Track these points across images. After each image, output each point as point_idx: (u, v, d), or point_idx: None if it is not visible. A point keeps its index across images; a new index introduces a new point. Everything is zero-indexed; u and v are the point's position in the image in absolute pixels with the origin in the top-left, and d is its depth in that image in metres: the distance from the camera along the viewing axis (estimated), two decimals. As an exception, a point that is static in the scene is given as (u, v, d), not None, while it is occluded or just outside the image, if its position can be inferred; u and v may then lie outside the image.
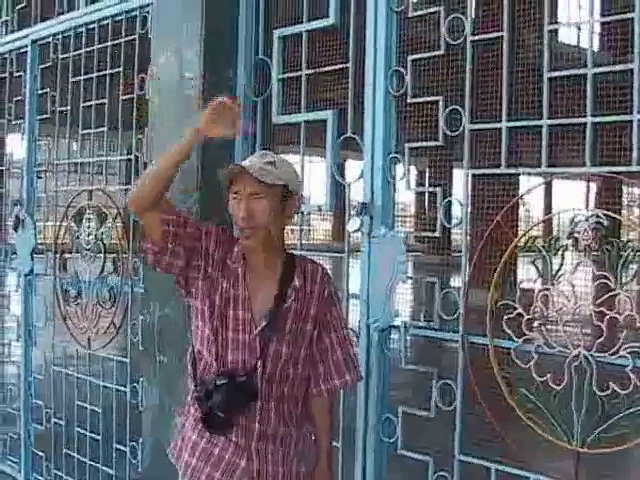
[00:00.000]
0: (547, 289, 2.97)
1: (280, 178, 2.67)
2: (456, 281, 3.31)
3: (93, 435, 4.92)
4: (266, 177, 2.62)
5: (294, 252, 2.96)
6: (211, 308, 2.74)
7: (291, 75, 3.88)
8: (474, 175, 3.25)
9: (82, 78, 5.05)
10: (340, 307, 2.92)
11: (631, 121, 2.81)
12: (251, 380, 2.69)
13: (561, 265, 2.95)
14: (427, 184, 3.47)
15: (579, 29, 3.50)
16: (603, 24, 3.16)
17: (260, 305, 2.73)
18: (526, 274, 3.07)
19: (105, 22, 4.84)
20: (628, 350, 2.75)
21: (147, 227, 2.74)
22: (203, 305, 2.76)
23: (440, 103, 3.30)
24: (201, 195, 3.93)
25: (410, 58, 3.41)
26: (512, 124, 3.12)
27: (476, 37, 3.21)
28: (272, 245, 2.75)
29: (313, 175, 3.96)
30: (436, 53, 3.34)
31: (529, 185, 3.26)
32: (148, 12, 4.47)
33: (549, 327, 2.98)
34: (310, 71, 3.79)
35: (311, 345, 2.83)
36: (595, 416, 2.86)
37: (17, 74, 5.72)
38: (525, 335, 3.01)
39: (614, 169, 2.91)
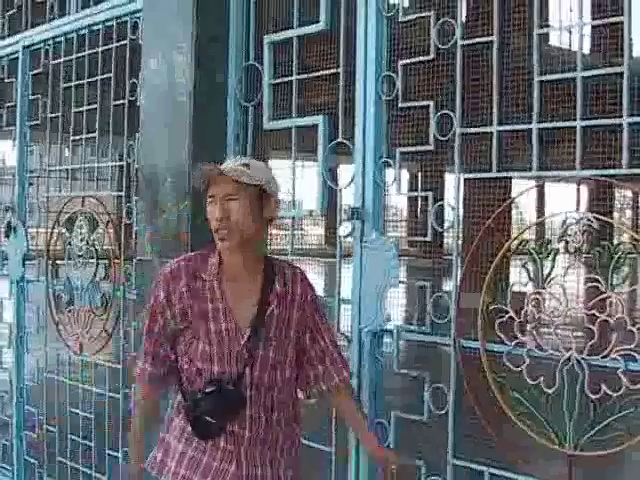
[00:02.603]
0: (538, 292, 2.97)
1: (254, 178, 2.66)
2: (448, 285, 3.31)
3: (86, 442, 4.92)
4: (240, 177, 2.63)
5: (273, 256, 2.96)
6: (193, 330, 2.74)
7: (282, 80, 3.88)
8: (465, 179, 3.26)
9: (73, 84, 5.05)
10: (322, 308, 2.95)
11: (621, 124, 2.81)
12: (239, 388, 2.69)
13: (552, 268, 2.95)
14: (418, 188, 3.47)
15: (569, 32, 3.49)
16: (593, 27, 3.16)
17: (243, 313, 2.73)
18: (518, 277, 3.07)
19: (96, 28, 4.85)
20: (620, 352, 2.76)
21: None
22: (184, 329, 2.77)
23: (431, 107, 3.31)
24: (192, 202, 3.92)
25: (400, 63, 3.41)
26: (503, 128, 3.12)
27: (466, 41, 3.22)
28: (251, 249, 2.74)
29: (305, 180, 3.95)
30: (426, 58, 3.34)
31: (520, 189, 3.26)
32: (139, 18, 4.47)
33: (541, 330, 2.98)
34: (301, 76, 3.80)
35: (303, 349, 2.84)
36: (587, 419, 2.86)
37: (8, 80, 5.71)
38: (517, 338, 3.01)
39: (605, 172, 2.91)
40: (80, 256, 4.98)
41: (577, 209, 2.98)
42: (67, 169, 5.21)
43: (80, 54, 4.98)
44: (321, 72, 3.72)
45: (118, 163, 4.74)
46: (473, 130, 3.23)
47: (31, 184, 5.58)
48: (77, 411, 5.00)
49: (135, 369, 2.92)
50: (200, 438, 2.72)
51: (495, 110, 3.13)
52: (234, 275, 2.75)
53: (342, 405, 3.01)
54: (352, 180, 3.54)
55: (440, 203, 3.30)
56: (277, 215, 2.85)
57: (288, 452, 2.85)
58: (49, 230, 5.27)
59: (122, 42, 4.64)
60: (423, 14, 3.34)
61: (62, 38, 5.13)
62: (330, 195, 3.66)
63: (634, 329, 2.72)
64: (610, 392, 2.78)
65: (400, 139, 3.52)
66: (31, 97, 5.47)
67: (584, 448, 2.89)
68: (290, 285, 2.81)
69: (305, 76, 3.79)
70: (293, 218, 4.00)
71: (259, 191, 2.69)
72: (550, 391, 2.93)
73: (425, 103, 3.34)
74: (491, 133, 3.13)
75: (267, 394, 2.75)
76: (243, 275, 2.76)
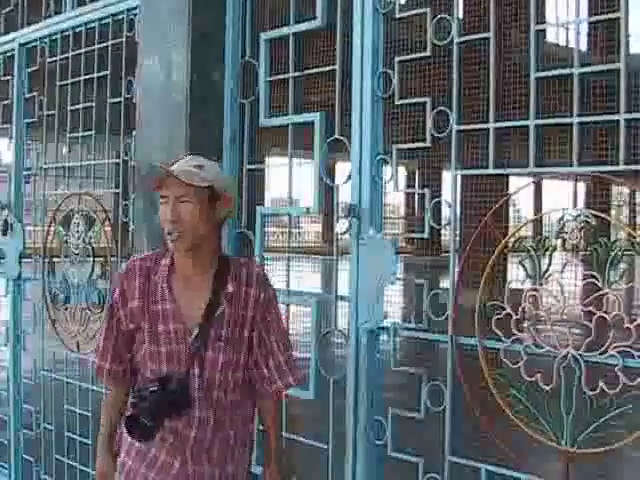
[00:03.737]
0: (536, 289, 2.97)
1: (206, 180, 2.65)
2: (445, 282, 3.31)
3: (83, 439, 4.91)
4: (191, 179, 2.62)
5: (230, 256, 2.95)
6: (142, 331, 2.75)
7: (278, 77, 3.87)
8: (462, 176, 3.25)
9: (70, 82, 5.04)
10: (278, 309, 2.90)
11: (618, 121, 2.81)
12: (185, 388, 2.68)
13: (549, 265, 2.95)
14: (415, 185, 3.48)
15: (566, 29, 3.49)
16: (590, 24, 3.16)
17: (193, 314, 2.71)
18: (515, 274, 3.07)
19: (92, 25, 4.84)
20: (617, 349, 2.76)
21: None
22: (136, 332, 2.78)
23: (427, 104, 3.30)
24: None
25: (397, 59, 3.41)
26: (499, 124, 3.12)
27: (463, 38, 3.22)
28: (203, 250, 2.73)
29: (301, 177, 3.94)
30: (423, 54, 3.34)
31: (517, 185, 3.26)
32: (135, 15, 4.46)
33: (538, 327, 2.98)
34: (297, 73, 3.79)
35: (252, 349, 2.81)
36: (585, 416, 2.86)
37: (4, 78, 5.70)
38: (514, 335, 3.01)
39: (602, 169, 2.91)
40: (77, 254, 4.97)
41: (574, 206, 2.98)
42: (64, 167, 5.20)
43: (76, 52, 4.97)
44: (317, 69, 3.72)
45: (115, 161, 4.73)
46: (470, 127, 3.22)
47: (27, 182, 5.57)
48: (74, 409, 5.00)
49: (94, 365, 2.93)
50: (133, 439, 2.68)
51: (492, 107, 3.13)
52: (185, 276, 2.75)
53: (265, 411, 2.92)
54: (349, 177, 3.53)
55: (437, 200, 3.29)
56: (231, 215, 2.86)
57: (239, 451, 2.84)
58: (46, 228, 5.25)
59: (118, 39, 4.63)
60: (419, 11, 3.34)
61: (58, 35, 5.12)
62: (327, 192, 3.66)
63: (631, 326, 2.72)
64: (607, 389, 2.78)
65: (397, 136, 3.52)
66: (27, 95, 5.45)
67: (581, 445, 2.89)
68: (244, 284, 2.77)
69: (301, 73, 3.79)
70: (290, 215, 4.00)
71: (211, 192, 2.68)
72: (547, 388, 2.93)
73: (422, 100, 3.34)
74: (488, 130, 3.13)
75: (219, 395, 2.74)
76: (195, 276, 2.75)
